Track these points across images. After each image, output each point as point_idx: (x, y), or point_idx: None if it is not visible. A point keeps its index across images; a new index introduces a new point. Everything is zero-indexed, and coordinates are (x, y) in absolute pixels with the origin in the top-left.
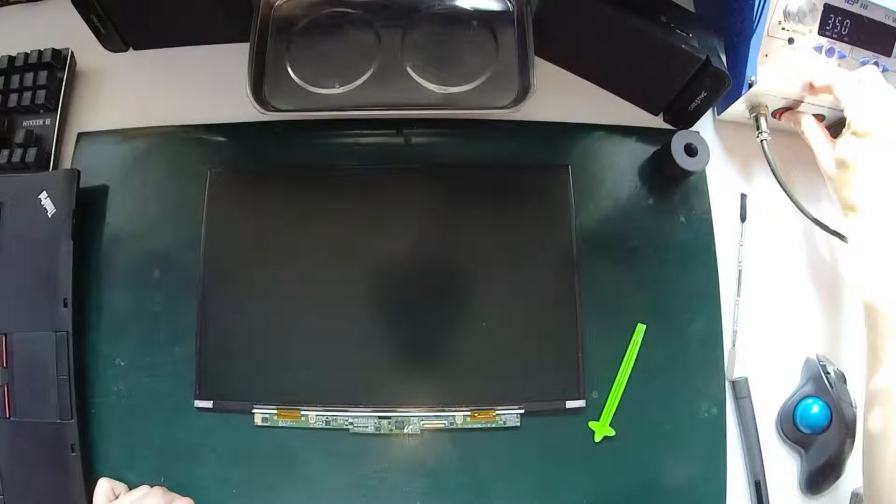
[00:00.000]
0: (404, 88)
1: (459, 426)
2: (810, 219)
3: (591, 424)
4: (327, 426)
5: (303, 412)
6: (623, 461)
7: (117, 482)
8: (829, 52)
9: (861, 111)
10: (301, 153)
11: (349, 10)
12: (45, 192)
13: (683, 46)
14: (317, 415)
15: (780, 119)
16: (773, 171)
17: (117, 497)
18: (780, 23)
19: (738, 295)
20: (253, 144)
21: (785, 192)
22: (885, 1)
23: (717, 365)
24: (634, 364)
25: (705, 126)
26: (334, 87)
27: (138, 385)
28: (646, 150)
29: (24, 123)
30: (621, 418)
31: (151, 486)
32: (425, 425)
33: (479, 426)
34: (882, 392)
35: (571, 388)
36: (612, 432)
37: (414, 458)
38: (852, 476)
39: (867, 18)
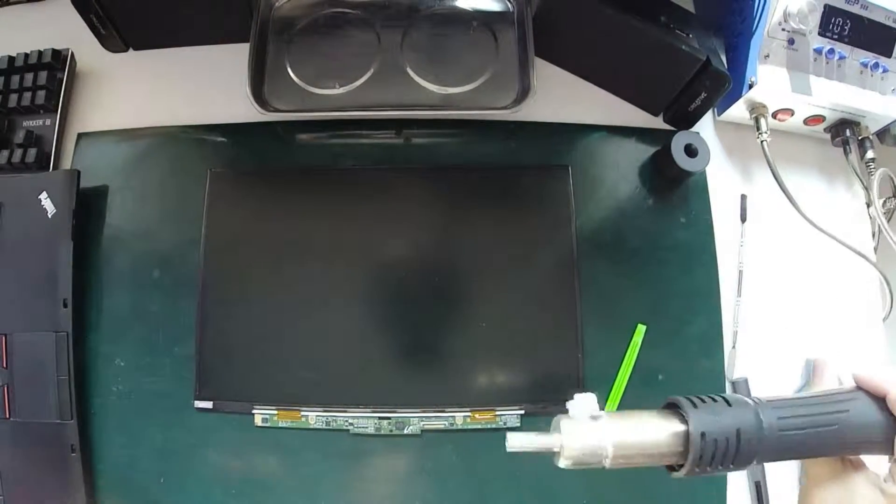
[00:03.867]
0: (404, 89)
1: (459, 427)
2: (809, 221)
3: None
4: (327, 427)
5: (303, 413)
6: None
7: None
8: (830, 53)
9: None
10: (301, 153)
11: (349, 11)
12: (45, 193)
13: (683, 47)
14: (317, 415)
15: None
16: (772, 172)
17: None
18: (780, 23)
19: (739, 295)
20: (253, 145)
21: (784, 193)
22: (885, 2)
23: (718, 366)
24: (635, 365)
25: (705, 127)
26: (334, 88)
27: (138, 385)
28: (646, 151)
29: (25, 124)
30: None
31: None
32: (425, 426)
33: (480, 427)
34: None
35: (571, 388)
36: None
37: (414, 459)
38: None
39: (867, 19)
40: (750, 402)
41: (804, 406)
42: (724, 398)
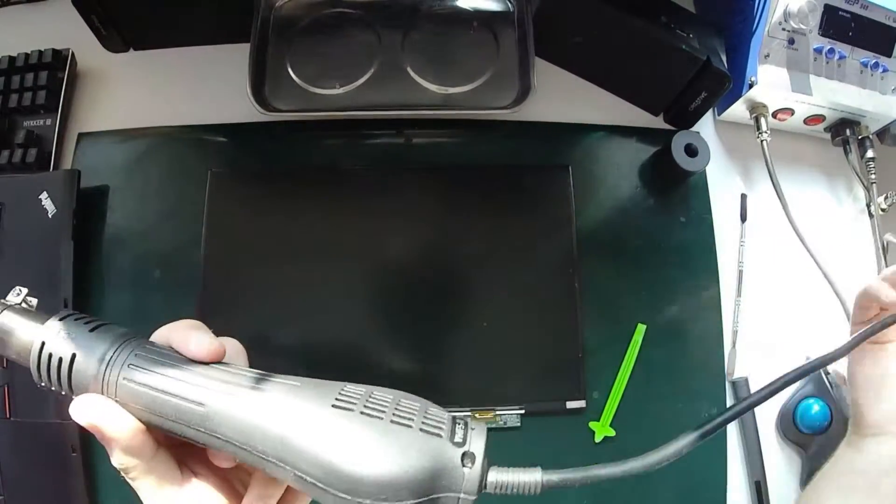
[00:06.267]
0: (405, 89)
1: None
2: (796, 232)
3: (592, 425)
4: None
5: None
6: None
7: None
8: (830, 52)
9: None
10: (301, 153)
11: (350, 11)
12: (45, 193)
13: (684, 47)
14: None
15: None
16: (770, 173)
17: None
18: (780, 23)
19: (739, 295)
20: (253, 145)
21: (779, 197)
22: (885, 1)
23: (718, 365)
24: (635, 364)
25: (706, 126)
26: (335, 88)
27: None
28: (646, 151)
29: (25, 124)
30: (622, 418)
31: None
32: None
33: None
34: None
35: (572, 388)
36: (612, 432)
37: None
38: None
39: (867, 19)
40: (114, 334)
41: (169, 367)
42: (100, 322)
